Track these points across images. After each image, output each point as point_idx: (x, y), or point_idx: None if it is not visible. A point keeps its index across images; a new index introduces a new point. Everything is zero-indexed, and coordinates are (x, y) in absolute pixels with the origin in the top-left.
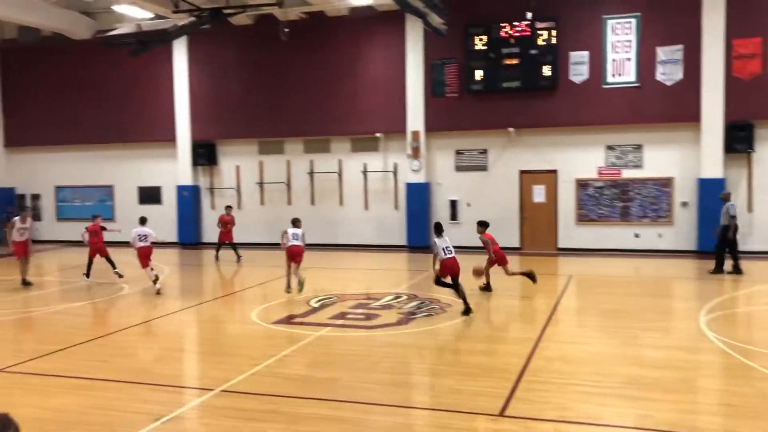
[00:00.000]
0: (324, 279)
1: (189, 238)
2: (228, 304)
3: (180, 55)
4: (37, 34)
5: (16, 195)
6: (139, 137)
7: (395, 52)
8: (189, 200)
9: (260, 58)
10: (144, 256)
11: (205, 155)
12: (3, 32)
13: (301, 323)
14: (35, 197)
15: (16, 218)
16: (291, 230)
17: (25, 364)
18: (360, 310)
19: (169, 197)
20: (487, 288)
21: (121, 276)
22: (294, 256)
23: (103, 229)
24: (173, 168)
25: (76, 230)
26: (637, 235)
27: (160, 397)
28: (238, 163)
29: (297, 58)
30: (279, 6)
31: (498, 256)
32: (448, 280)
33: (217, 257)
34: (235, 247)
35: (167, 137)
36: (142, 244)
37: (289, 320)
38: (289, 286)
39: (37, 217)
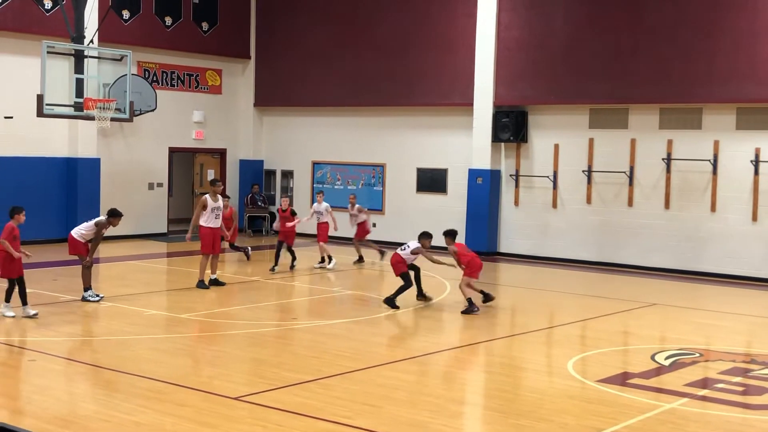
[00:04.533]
0: (680, 324)
1: (480, 244)
2: (531, 344)
3: None
4: None
5: (264, 171)
6: (424, 99)
7: None
8: (484, 190)
9: None
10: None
11: (510, 127)
12: None
13: (641, 387)
14: (286, 175)
15: (206, 195)
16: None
17: (263, 395)
18: (736, 378)
19: (457, 185)
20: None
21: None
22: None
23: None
24: (466, 143)
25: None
26: None
27: None
28: (556, 141)
29: None
30: None
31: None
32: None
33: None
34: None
35: (461, 100)
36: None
37: (623, 380)
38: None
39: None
